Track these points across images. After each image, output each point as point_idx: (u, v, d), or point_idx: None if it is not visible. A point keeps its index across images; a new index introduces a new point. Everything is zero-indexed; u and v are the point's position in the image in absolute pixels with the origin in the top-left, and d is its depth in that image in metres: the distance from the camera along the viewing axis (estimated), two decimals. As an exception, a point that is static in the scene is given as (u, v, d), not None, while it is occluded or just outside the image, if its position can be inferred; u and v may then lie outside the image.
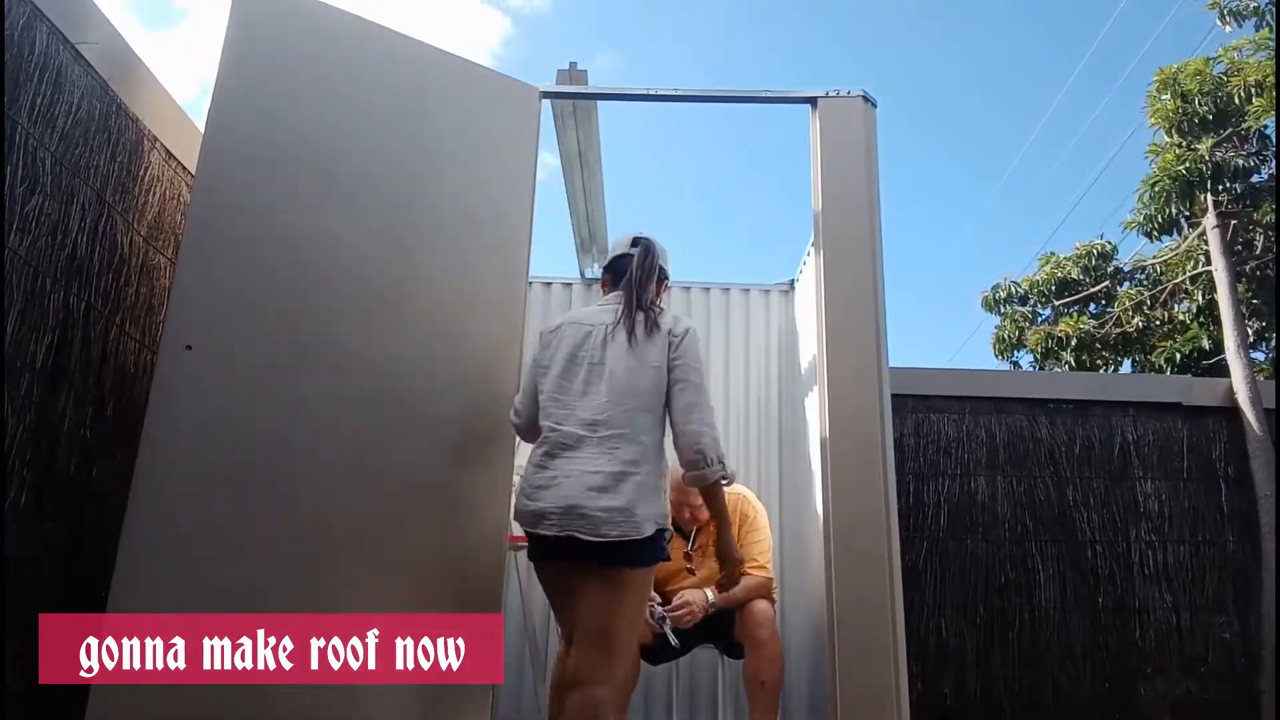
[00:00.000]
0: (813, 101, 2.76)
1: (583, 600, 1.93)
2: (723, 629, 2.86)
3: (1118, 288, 8.11)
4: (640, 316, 2.06)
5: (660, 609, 2.72)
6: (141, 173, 2.35)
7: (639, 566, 1.94)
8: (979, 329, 25.67)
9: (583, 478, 1.90)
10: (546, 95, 2.80)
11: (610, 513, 1.85)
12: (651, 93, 2.86)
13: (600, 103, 3.06)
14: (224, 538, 1.94)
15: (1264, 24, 6.05)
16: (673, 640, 2.64)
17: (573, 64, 2.89)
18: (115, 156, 2.21)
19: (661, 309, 2.15)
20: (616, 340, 2.03)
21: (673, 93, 2.86)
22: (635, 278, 2.12)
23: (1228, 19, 6.24)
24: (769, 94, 2.84)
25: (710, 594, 2.76)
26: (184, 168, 2.56)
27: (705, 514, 2.95)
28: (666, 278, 2.28)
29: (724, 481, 2.02)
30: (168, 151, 2.48)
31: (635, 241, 2.21)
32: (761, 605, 2.79)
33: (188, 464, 1.94)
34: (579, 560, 1.90)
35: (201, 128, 2.18)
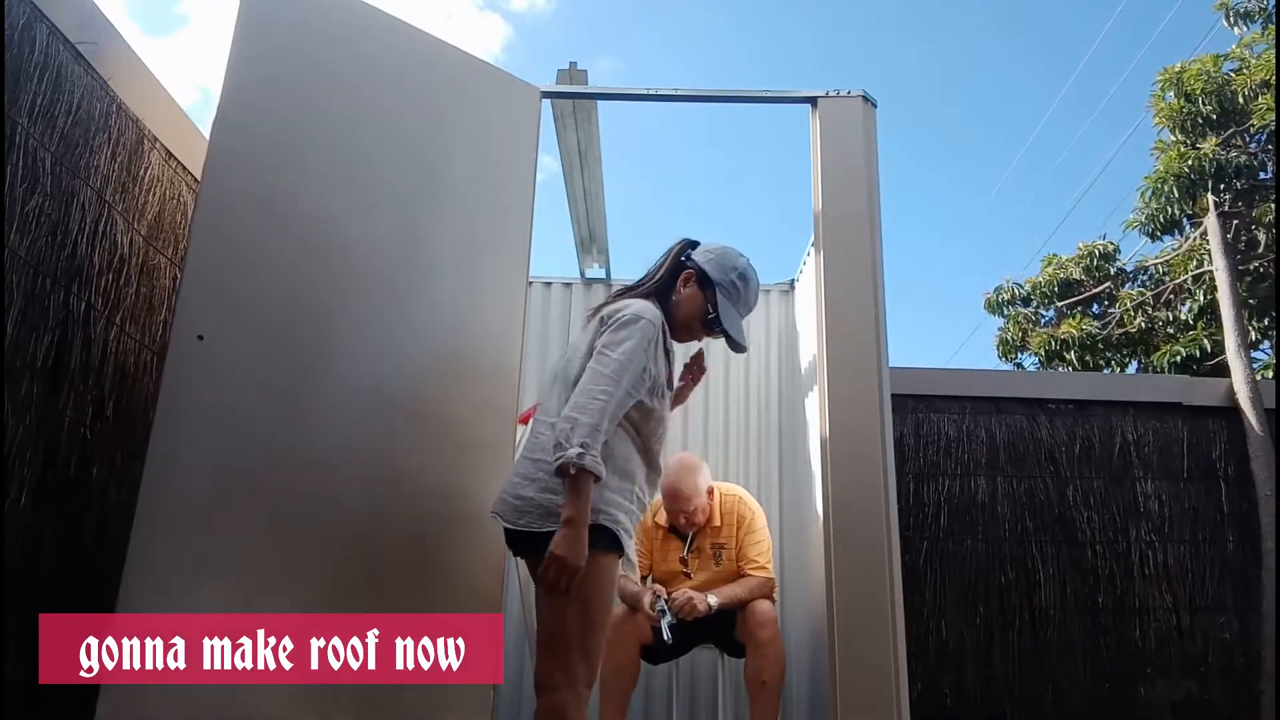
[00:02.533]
0: (813, 101, 2.75)
1: (536, 603, 1.86)
2: (723, 629, 2.86)
3: (1120, 288, 8.10)
4: (608, 298, 2.03)
5: (662, 600, 2.72)
6: (141, 173, 2.35)
7: None
8: (977, 330, 25.66)
9: (515, 464, 1.92)
10: (547, 95, 2.79)
11: (522, 500, 1.78)
12: (652, 93, 2.86)
13: (600, 105, 3.06)
14: (230, 531, 1.93)
15: (1269, 23, 6.04)
16: (666, 636, 2.61)
17: (573, 64, 2.88)
18: (115, 156, 2.21)
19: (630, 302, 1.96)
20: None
21: (673, 93, 2.86)
22: (656, 266, 2.07)
23: (1234, 20, 6.23)
24: (769, 94, 2.84)
25: (712, 599, 2.75)
26: (184, 168, 2.56)
27: (700, 517, 2.94)
28: (696, 270, 2.01)
29: (570, 471, 1.64)
30: (168, 152, 2.48)
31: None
32: (764, 605, 2.80)
33: (198, 455, 1.92)
34: (513, 550, 1.89)
35: (203, 130, 2.18)
